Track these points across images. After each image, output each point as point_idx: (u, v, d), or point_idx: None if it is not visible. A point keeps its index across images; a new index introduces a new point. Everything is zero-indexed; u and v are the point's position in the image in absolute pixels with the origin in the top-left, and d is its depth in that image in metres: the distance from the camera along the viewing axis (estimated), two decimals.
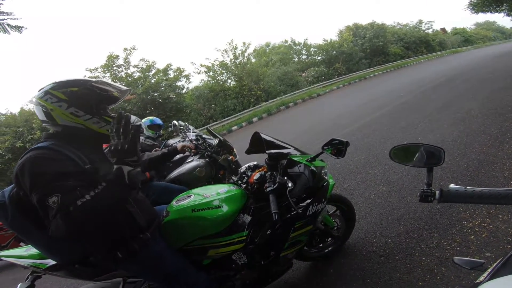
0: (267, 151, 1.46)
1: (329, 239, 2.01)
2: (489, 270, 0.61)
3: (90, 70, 13.16)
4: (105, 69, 13.32)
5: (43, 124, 1.18)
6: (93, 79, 1.21)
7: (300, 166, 1.55)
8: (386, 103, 7.21)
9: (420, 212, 2.22)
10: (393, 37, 24.99)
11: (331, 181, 1.75)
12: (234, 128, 12.31)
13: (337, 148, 1.60)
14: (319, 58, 21.74)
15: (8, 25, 2.17)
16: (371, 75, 19.07)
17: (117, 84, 1.31)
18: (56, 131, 1.16)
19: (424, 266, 1.72)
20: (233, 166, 2.65)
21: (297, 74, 18.68)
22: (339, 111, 8.32)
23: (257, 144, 1.67)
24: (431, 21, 31.23)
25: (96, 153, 1.19)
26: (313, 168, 1.56)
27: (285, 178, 1.43)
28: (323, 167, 1.64)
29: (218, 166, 2.77)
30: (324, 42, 21.73)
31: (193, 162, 2.71)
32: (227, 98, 15.32)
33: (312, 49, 22.18)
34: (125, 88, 1.29)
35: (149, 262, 1.25)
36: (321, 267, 1.99)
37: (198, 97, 15.34)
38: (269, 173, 1.47)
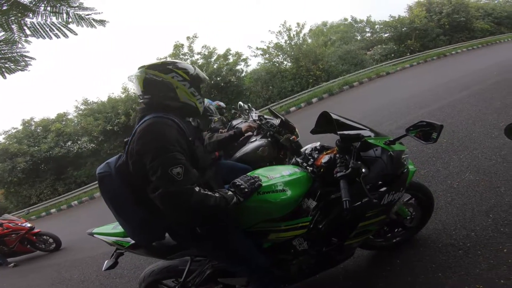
0: (339, 132, 1.36)
1: (399, 229, 1.85)
2: None
3: (160, 59, 14.35)
4: (173, 58, 14.34)
5: (154, 99, 1.23)
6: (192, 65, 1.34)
7: (376, 150, 1.41)
8: (474, 82, 6.04)
9: None
10: (478, 12, 21.32)
11: (411, 167, 1.57)
12: (292, 109, 12.15)
13: (424, 131, 1.41)
14: (386, 35, 20.10)
15: (93, 19, 2.45)
16: (453, 52, 16.45)
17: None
18: (174, 107, 1.24)
19: None
20: (294, 146, 2.63)
21: (361, 53, 17.34)
22: (414, 90, 7.35)
23: (325, 124, 1.58)
24: None
25: (189, 127, 1.28)
26: (391, 152, 1.40)
27: (359, 162, 1.32)
28: (403, 152, 1.47)
29: (279, 146, 2.79)
30: (391, 19, 19.91)
31: (256, 142, 2.76)
32: (284, 80, 15.09)
33: (377, 26, 20.69)
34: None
35: (221, 240, 1.29)
36: (386, 256, 1.88)
37: (256, 80, 15.43)
38: (339, 156, 1.38)
